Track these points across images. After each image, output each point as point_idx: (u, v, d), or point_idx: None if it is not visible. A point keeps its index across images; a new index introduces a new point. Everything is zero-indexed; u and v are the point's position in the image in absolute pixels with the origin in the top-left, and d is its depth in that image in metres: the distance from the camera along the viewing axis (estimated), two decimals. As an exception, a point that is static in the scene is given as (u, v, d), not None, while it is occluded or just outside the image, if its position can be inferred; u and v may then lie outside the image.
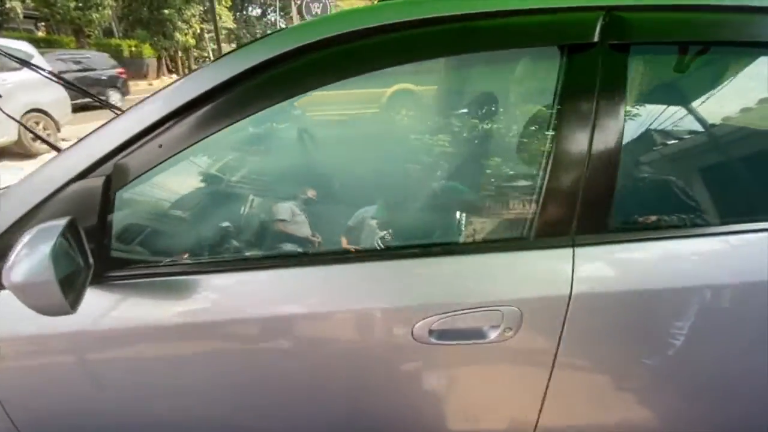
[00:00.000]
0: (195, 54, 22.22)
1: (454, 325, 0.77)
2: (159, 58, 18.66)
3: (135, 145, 0.76)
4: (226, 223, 1.02)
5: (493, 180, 0.98)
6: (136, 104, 0.79)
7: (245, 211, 1.11)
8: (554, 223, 0.78)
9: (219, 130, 0.75)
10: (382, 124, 1.78)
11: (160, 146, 0.75)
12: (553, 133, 0.78)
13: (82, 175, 0.75)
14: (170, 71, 19.99)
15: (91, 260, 0.72)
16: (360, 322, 0.80)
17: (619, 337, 0.80)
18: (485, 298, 0.77)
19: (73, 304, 0.63)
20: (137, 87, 14.76)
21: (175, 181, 1.04)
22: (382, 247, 0.97)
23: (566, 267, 0.76)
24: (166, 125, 0.75)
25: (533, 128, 0.94)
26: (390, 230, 0.98)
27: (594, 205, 0.76)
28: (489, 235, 0.86)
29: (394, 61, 0.78)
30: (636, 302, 0.77)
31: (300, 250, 1.00)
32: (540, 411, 0.86)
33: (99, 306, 0.77)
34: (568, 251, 0.77)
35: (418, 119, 1.74)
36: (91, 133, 0.78)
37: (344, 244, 1.06)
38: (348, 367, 0.84)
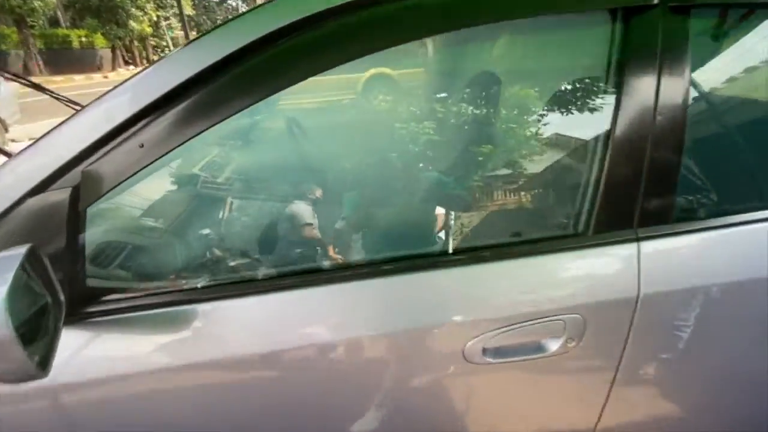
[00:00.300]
0: (153, 43, 20.95)
1: (510, 341, 0.67)
2: (113, 49, 17.44)
3: (108, 147, 0.60)
4: (228, 237, 0.86)
5: (536, 170, 0.86)
6: (103, 95, 0.62)
7: (252, 221, 0.95)
8: (615, 216, 0.68)
9: (219, 122, 0.60)
10: (376, 113, 1.63)
11: (142, 146, 0.59)
12: (612, 111, 0.67)
13: (41, 187, 0.59)
14: (127, 63, 18.78)
15: (61, 296, 0.56)
16: (400, 346, 0.68)
17: (693, 338, 0.71)
18: (544, 307, 0.66)
19: (44, 362, 0.48)
20: (91, 80, 13.77)
21: (160, 188, 0.87)
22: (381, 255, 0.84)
23: (631, 264, 0.67)
24: (149, 119, 0.59)
25: (580, 107, 0.83)
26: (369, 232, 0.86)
27: (659, 192, 0.67)
28: (540, 234, 0.75)
29: (415, 34, 0.66)
30: (713, 298, 0.69)
31: (320, 265, 0.85)
32: (597, 422, 0.78)
33: (76, 350, 0.62)
34: (633, 246, 0.68)
35: (416, 107, 1.60)
36: (48, 133, 0.61)
37: (331, 251, 0.93)
38: (390, 400, 0.72)
